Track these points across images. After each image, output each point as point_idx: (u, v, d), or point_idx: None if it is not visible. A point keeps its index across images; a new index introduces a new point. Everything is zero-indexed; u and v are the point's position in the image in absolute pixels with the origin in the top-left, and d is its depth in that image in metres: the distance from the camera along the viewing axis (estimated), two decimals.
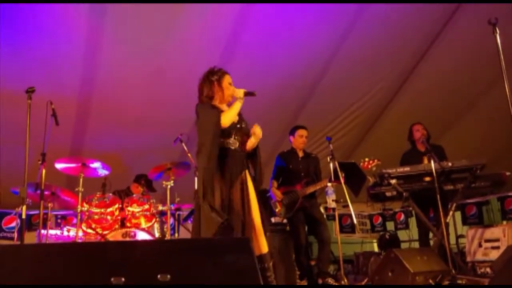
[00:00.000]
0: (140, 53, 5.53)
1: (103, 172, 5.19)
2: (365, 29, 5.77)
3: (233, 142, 3.58)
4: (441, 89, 6.65)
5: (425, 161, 5.16)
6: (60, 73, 5.57)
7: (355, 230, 7.32)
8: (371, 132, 7.43)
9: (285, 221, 5.56)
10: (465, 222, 6.99)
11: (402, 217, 7.49)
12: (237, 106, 3.62)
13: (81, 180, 4.96)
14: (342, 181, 4.79)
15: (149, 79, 5.85)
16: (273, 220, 5.64)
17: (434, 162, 4.79)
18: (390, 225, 7.59)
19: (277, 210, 5.41)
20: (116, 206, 5.14)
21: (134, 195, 5.31)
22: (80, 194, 4.89)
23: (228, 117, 3.56)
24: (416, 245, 6.01)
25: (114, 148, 6.57)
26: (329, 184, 4.90)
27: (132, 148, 6.67)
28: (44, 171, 4.29)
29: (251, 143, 3.66)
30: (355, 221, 5.32)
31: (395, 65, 6.43)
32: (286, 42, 5.80)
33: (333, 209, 4.90)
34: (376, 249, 7.46)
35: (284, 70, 6.06)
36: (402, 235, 7.22)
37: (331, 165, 4.88)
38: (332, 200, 4.80)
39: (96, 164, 5.09)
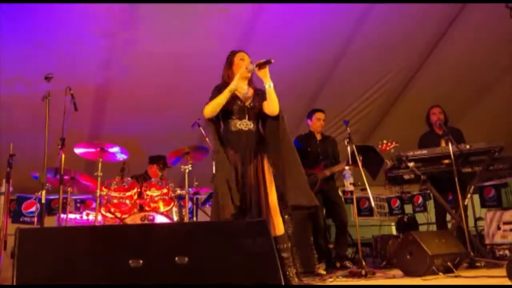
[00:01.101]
0: (159, 39, 5.48)
1: (121, 156, 5.13)
2: (383, 12, 5.72)
3: (247, 123, 3.50)
4: (458, 71, 6.56)
5: (443, 144, 5.11)
6: (79, 60, 5.59)
7: (373, 213, 7.20)
8: (388, 115, 7.36)
9: None
10: (483, 204, 6.85)
11: (420, 200, 7.41)
12: (231, 88, 3.48)
13: (99, 164, 4.93)
14: (360, 164, 4.75)
15: (168, 65, 5.84)
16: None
17: (452, 144, 4.75)
18: (408, 208, 7.49)
19: None
20: (135, 190, 5.09)
21: (153, 179, 5.25)
22: (99, 179, 4.85)
23: (210, 107, 3.45)
24: (434, 228, 5.91)
25: (133, 133, 6.55)
26: (346, 167, 4.82)
27: (150, 133, 6.64)
28: (63, 156, 4.29)
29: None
30: (373, 204, 5.15)
31: (413, 48, 6.36)
32: (304, 25, 5.75)
33: (351, 192, 4.87)
34: (394, 232, 7.39)
35: (301, 54, 6.00)
36: (420, 218, 7.14)
37: (348, 148, 4.83)
38: (350, 183, 4.74)
39: (114, 149, 5.05)
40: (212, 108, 3.45)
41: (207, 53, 5.60)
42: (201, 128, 5.38)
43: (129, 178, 5.16)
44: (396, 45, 6.21)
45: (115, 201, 5.00)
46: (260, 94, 3.58)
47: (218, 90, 3.53)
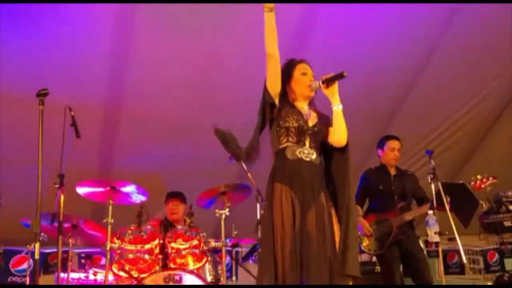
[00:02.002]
0: (183, 44, 5.43)
1: (138, 198, 4.97)
2: (473, 12, 5.53)
3: (308, 152, 3.24)
4: None
5: None
6: (82, 73, 5.55)
7: (465, 270, 6.99)
8: (483, 144, 7.22)
9: (374, 259, 5.56)
10: None
11: None
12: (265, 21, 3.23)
13: (110, 208, 4.74)
14: (447, 207, 4.60)
15: (195, 77, 5.79)
16: (359, 258, 5.15)
17: None
18: (509, 264, 7.03)
19: (364, 244, 5.24)
20: (156, 242, 4.84)
21: (179, 228, 4.99)
22: (109, 227, 4.66)
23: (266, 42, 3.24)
24: None
25: (152, 167, 6.48)
26: (430, 212, 4.65)
27: (175, 166, 6.54)
28: (62, 197, 4.13)
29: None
30: (464, 259, 4.85)
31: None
32: (373, 30, 5.64)
33: (436, 243, 4.72)
34: None
35: (371, 68, 5.89)
36: None
37: (432, 186, 4.72)
38: (435, 233, 4.56)
39: (129, 188, 4.88)
40: (265, 42, 3.24)
41: (248, 60, 5.47)
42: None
43: (148, 226, 4.90)
44: (492, 54, 6.02)
45: (130, 256, 4.79)
46: (325, 119, 3.37)
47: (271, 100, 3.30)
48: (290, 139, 3.23)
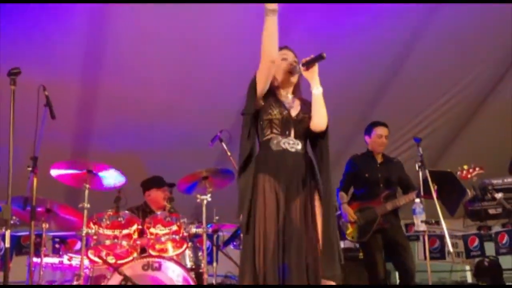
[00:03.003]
0: (165, 22, 5.25)
1: (116, 181, 4.79)
2: (460, 4, 5.49)
3: (293, 142, 3.15)
4: None
5: None
6: (57, 51, 5.37)
7: (446, 255, 6.94)
8: (466, 131, 7.16)
9: (357, 245, 5.53)
10: None
11: (506, 238, 6.96)
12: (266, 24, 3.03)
13: (86, 193, 4.58)
14: (435, 195, 4.48)
15: (179, 57, 5.58)
16: (342, 245, 5.31)
17: None
18: (489, 249, 7.11)
19: (347, 232, 5.18)
20: (135, 227, 4.74)
21: (159, 213, 4.88)
22: (85, 212, 4.51)
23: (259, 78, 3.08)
24: None
25: (131, 150, 6.37)
26: (417, 200, 4.56)
27: (156, 149, 6.43)
28: (35, 180, 3.99)
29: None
30: (450, 248, 4.81)
31: (501, 43, 6.05)
32: (358, 17, 5.47)
33: (421, 232, 4.72)
34: (469, 278, 7.23)
35: (355, 51, 5.76)
36: (506, 261, 6.78)
37: (420, 174, 4.57)
38: (421, 221, 4.48)
39: (107, 172, 4.70)
40: (264, 47, 3.04)
41: (232, 41, 5.36)
42: (223, 144, 5.13)
43: (126, 211, 4.83)
44: (477, 40, 5.89)
45: (107, 242, 4.70)
46: (308, 106, 3.26)
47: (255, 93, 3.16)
48: (275, 130, 3.13)
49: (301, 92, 3.32)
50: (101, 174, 4.69)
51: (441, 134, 6.92)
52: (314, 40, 5.41)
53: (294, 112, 3.18)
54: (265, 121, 3.14)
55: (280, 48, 3.24)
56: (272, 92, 3.20)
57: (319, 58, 3.06)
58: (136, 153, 6.39)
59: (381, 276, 4.97)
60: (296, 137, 3.15)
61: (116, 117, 6.07)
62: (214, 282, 5.11)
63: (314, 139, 3.26)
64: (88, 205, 4.49)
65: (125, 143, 6.31)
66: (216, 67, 5.64)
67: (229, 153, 5.15)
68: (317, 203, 3.11)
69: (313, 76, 3.13)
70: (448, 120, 6.80)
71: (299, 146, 3.15)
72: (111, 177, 4.75)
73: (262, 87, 3.08)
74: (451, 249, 4.86)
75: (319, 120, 3.15)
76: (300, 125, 3.18)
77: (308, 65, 3.10)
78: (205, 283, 4.61)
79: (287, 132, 3.14)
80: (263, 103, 3.11)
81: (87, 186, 4.57)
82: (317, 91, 3.14)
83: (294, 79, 3.23)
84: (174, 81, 5.84)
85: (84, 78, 5.74)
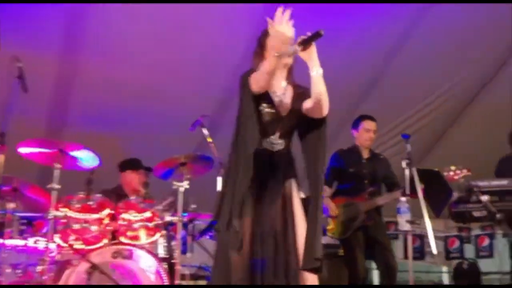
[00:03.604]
0: (151, 4, 5.08)
1: (89, 163, 4.64)
2: (451, 5, 5.42)
3: (275, 142, 3.03)
4: None
5: None
6: (35, 22, 5.13)
7: (425, 255, 7.04)
8: (453, 130, 7.10)
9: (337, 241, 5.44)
10: None
11: (486, 241, 7.06)
12: (270, 63, 2.84)
13: (56, 172, 4.40)
14: (421, 195, 4.42)
15: (163, 40, 5.45)
16: (323, 240, 5.02)
17: None
18: (469, 251, 7.19)
19: (329, 228, 5.16)
20: (106, 212, 4.56)
21: (133, 198, 4.74)
22: (54, 193, 4.33)
23: (255, 79, 2.89)
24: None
25: (108, 130, 6.20)
26: (403, 199, 4.58)
27: (134, 132, 6.27)
28: (3, 157, 3.98)
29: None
30: (434, 250, 4.71)
31: (492, 45, 6.07)
32: (350, 11, 5.40)
33: (405, 231, 4.80)
34: (446, 280, 7.30)
35: (345, 46, 5.68)
36: (485, 265, 6.85)
37: (407, 172, 4.50)
38: (406, 221, 4.49)
39: (80, 152, 4.55)
40: (257, 81, 2.90)
41: (218, 26, 5.26)
42: (204, 130, 5.01)
43: (99, 195, 4.67)
44: (468, 39, 5.85)
45: (76, 226, 4.51)
46: (301, 95, 3.06)
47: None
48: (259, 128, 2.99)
49: (294, 78, 3.13)
50: (73, 154, 4.53)
51: (428, 132, 6.92)
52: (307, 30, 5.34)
53: (283, 109, 3.03)
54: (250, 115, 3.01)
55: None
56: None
57: (316, 35, 2.82)
58: (113, 135, 6.26)
59: (361, 274, 4.96)
60: (280, 136, 3.02)
61: (94, 97, 5.93)
62: (187, 273, 4.99)
63: (307, 128, 3.08)
64: (58, 186, 4.33)
65: (102, 124, 6.20)
66: (201, 52, 5.51)
67: (209, 139, 5.05)
68: (295, 201, 3.01)
69: (311, 57, 2.88)
70: (435, 118, 6.80)
71: (281, 146, 3.02)
72: (85, 158, 4.58)
73: (258, 91, 2.92)
74: (435, 251, 4.76)
75: (319, 104, 2.92)
76: (288, 124, 3.04)
77: (305, 44, 2.85)
78: (177, 274, 4.47)
79: (271, 132, 3.01)
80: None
81: (58, 166, 4.40)
82: (316, 73, 2.89)
83: (290, 60, 3.02)
84: (157, 64, 5.72)
85: (63, 53, 5.57)
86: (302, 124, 3.07)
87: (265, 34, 3.04)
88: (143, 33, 5.41)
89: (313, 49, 2.85)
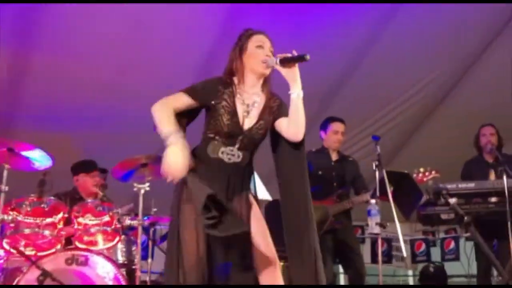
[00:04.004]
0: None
1: (42, 164, 4.51)
2: (419, 6, 5.46)
3: (233, 154, 2.86)
4: None
5: (492, 175, 4.99)
6: None
7: (392, 259, 7.07)
8: (421, 132, 7.15)
9: None
10: None
11: (452, 245, 7.12)
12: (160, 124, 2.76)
13: (5, 173, 4.29)
14: (391, 197, 4.33)
15: (123, 36, 5.36)
16: None
17: (508, 177, 4.47)
18: (435, 254, 7.26)
19: None
20: (60, 215, 4.42)
21: (89, 201, 4.62)
22: (2, 195, 4.23)
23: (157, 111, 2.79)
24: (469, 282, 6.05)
25: (62, 129, 6.07)
26: (373, 201, 4.46)
27: (91, 131, 6.15)
28: None
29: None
30: (404, 252, 4.83)
31: (456, 50, 6.20)
32: (319, 12, 5.42)
33: (375, 234, 4.56)
34: (411, 283, 7.44)
35: (314, 47, 5.22)
36: (451, 268, 6.93)
37: (377, 174, 4.45)
38: (376, 224, 4.36)
39: (31, 152, 4.43)
40: (156, 109, 2.80)
41: (177, 20, 5.21)
42: None
43: (52, 198, 4.54)
44: (437, 42, 5.90)
45: (27, 231, 4.37)
46: (275, 109, 2.92)
47: (212, 88, 2.86)
48: (217, 137, 2.84)
49: (271, 85, 2.97)
50: (24, 153, 4.39)
51: (396, 133, 6.97)
52: (274, 29, 5.23)
53: (248, 122, 2.87)
54: (211, 119, 2.86)
55: (255, 33, 2.95)
56: (234, 87, 2.87)
57: (301, 58, 2.72)
58: (67, 134, 6.10)
59: (329, 279, 4.69)
60: (240, 149, 2.86)
61: (48, 94, 5.76)
62: (148, 279, 4.82)
63: (281, 147, 2.98)
64: (6, 188, 4.19)
65: (56, 122, 6.04)
66: (163, 48, 5.39)
67: None
68: (252, 214, 2.87)
69: (294, 77, 2.77)
70: (404, 120, 6.88)
71: (239, 158, 2.86)
72: (36, 158, 4.43)
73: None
74: (405, 254, 4.86)
75: (296, 128, 2.83)
76: (250, 138, 2.89)
77: (285, 62, 2.75)
78: (137, 281, 4.35)
79: (230, 143, 2.86)
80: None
81: (6, 166, 4.25)
82: (297, 95, 2.79)
83: (266, 71, 2.87)
84: (117, 61, 5.60)
85: (15, 47, 5.35)
86: (273, 139, 2.97)
87: (247, 36, 2.93)
88: (100, 29, 5.27)
89: (296, 70, 2.76)
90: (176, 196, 2.82)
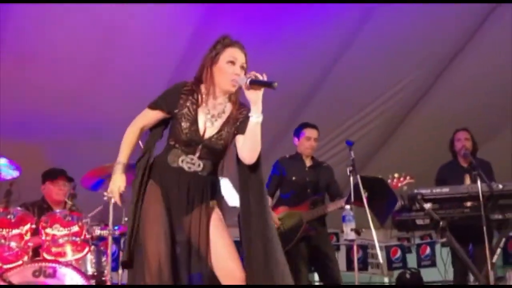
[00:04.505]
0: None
1: (8, 173, 4.44)
2: (393, 8, 5.44)
3: (193, 163, 2.80)
4: (487, 85, 6.25)
5: (467, 180, 4.97)
6: None
7: (367, 266, 7.00)
8: (395, 138, 7.12)
9: None
10: (506, 261, 6.59)
11: (428, 250, 7.07)
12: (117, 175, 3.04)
13: None
14: (365, 202, 4.31)
15: (90, 39, 5.24)
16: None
17: (482, 182, 4.41)
18: (411, 261, 7.21)
19: None
20: (27, 227, 4.38)
21: (58, 211, 4.54)
22: None
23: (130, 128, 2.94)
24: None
25: (29, 137, 5.92)
26: (347, 207, 4.45)
27: (58, 138, 5.99)
28: None
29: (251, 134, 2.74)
30: (380, 259, 4.96)
31: (430, 55, 6.21)
32: (291, 17, 5.38)
33: (351, 241, 4.54)
34: None
35: (287, 52, 5.61)
36: (428, 274, 6.90)
37: (351, 180, 4.39)
38: (351, 230, 4.33)
39: None
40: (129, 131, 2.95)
41: (149, 25, 5.12)
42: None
43: (19, 208, 4.49)
44: (410, 49, 5.92)
45: None
46: (240, 122, 2.82)
47: (174, 96, 2.82)
48: (177, 145, 2.79)
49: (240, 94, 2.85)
50: None
51: (370, 139, 6.93)
52: (245, 37, 5.21)
53: (210, 131, 2.80)
54: (172, 127, 2.82)
55: (230, 44, 2.82)
56: (197, 94, 2.79)
57: (268, 84, 2.62)
58: (35, 142, 5.94)
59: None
60: (201, 158, 2.80)
61: (13, 101, 5.55)
62: None
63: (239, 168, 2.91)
64: None
65: (24, 131, 5.85)
66: (131, 56, 5.31)
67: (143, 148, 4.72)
68: (212, 223, 2.80)
69: (256, 100, 2.67)
70: (378, 125, 6.84)
71: (199, 167, 2.80)
72: (2, 168, 4.31)
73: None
74: (381, 260, 4.75)
75: (250, 152, 2.75)
76: (210, 147, 2.82)
77: (253, 85, 2.65)
78: None
79: (190, 151, 2.80)
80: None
81: None
82: (256, 118, 2.68)
83: (233, 89, 2.79)
84: (84, 66, 5.45)
85: None
86: (238, 151, 2.88)
87: (222, 46, 2.83)
88: (67, 35, 5.15)
89: (260, 93, 2.65)
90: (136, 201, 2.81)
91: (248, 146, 2.74)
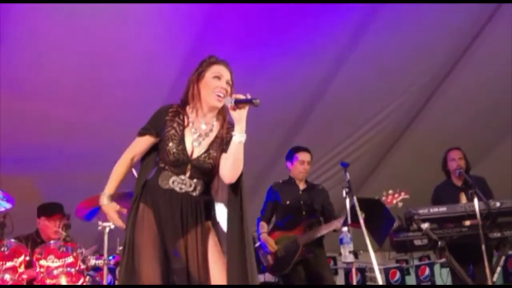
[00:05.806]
0: (72, 31, 4.85)
1: (1, 205, 4.36)
2: (385, 27, 5.46)
3: (184, 183, 2.78)
4: (480, 103, 6.25)
5: (463, 198, 5.00)
6: None
7: None
8: (389, 158, 7.10)
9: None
10: (507, 279, 6.48)
11: (427, 271, 6.97)
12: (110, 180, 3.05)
13: None
14: (362, 224, 4.22)
15: (84, 71, 5.19)
16: (262, 278, 5.47)
17: (479, 200, 4.44)
18: (410, 282, 7.13)
19: (267, 264, 4.99)
20: (21, 259, 4.36)
21: (51, 242, 4.45)
22: None
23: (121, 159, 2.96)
24: None
25: (23, 169, 5.85)
26: (344, 229, 4.33)
27: (52, 170, 5.93)
28: None
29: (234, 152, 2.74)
30: (380, 281, 4.44)
31: (423, 74, 6.17)
32: (283, 39, 5.33)
33: (349, 263, 4.40)
34: None
35: (278, 75, 5.57)
36: None
37: (347, 201, 4.36)
38: (349, 252, 4.22)
39: None
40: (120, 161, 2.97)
41: (145, 53, 5.04)
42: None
43: (12, 240, 4.43)
44: (402, 68, 5.92)
45: None
46: (227, 141, 2.82)
47: (160, 118, 2.83)
48: (166, 166, 2.78)
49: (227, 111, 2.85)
50: None
51: (364, 161, 6.90)
52: (238, 61, 5.18)
53: (198, 151, 2.79)
54: (160, 149, 2.81)
55: (216, 62, 2.85)
56: (185, 115, 2.80)
57: (250, 102, 2.64)
58: (30, 175, 5.90)
59: None
60: (191, 177, 2.79)
61: (8, 133, 5.48)
62: None
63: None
64: None
65: (16, 162, 5.73)
66: (124, 83, 5.26)
67: (137, 176, 4.69)
68: (211, 243, 2.79)
69: (241, 119, 2.67)
70: (371, 147, 6.81)
71: (191, 187, 2.78)
72: None
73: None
74: (380, 282, 4.52)
75: (231, 171, 2.74)
76: (198, 167, 2.80)
77: (239, 104, 2.66)
78: None
79: (180, 172, 2.79)
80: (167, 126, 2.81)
81: None
82: (239, 138, 2.69)
83: (219, 105, 2.79)
84: (76, 97, 5.41)
85: None
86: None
87: (208, 64, 2.85)
88: (62, 67, 5.11)
89: (244, 112, 2.66)
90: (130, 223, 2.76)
91: (229, 165, 2.72)
